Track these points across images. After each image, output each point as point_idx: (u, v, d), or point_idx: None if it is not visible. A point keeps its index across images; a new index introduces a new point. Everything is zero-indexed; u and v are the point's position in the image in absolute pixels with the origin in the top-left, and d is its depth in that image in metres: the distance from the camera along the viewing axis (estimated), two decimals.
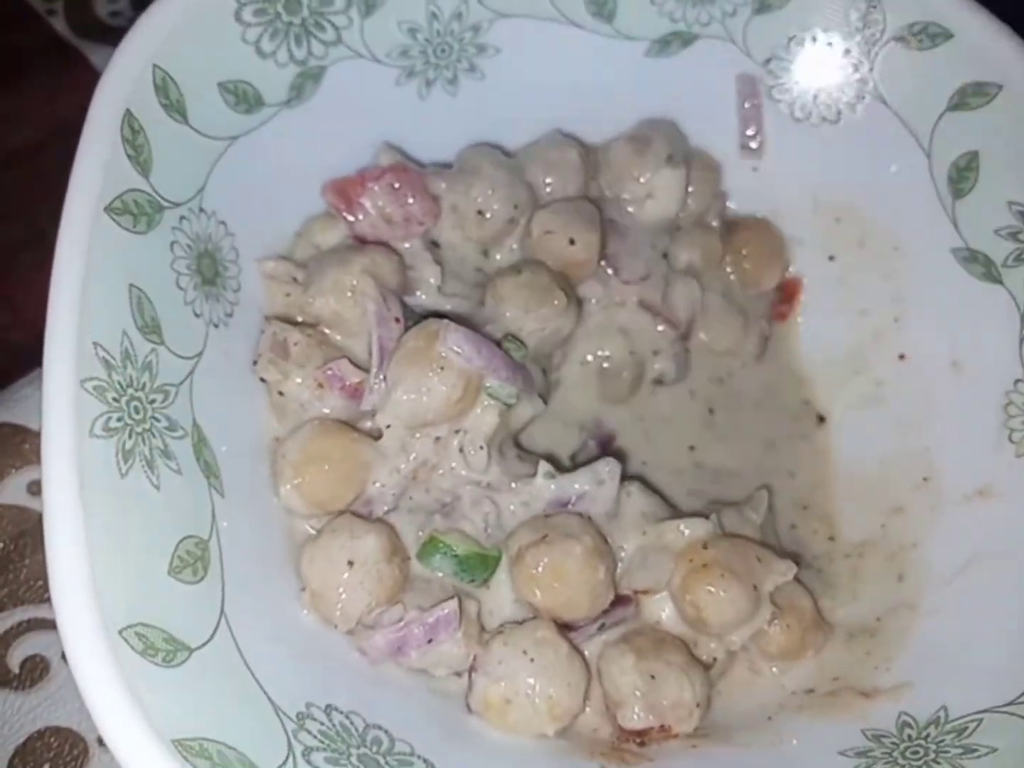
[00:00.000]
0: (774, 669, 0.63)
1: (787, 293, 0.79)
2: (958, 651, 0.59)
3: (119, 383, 0.50)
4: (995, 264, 0.68)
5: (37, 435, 0.69)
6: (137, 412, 0.50)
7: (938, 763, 0.52)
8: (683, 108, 0.76)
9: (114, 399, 0.49)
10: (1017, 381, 0.66)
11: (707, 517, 0.62)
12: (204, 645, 0.47)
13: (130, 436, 0.49)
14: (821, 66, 0.73)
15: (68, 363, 0.48)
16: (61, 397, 0.47)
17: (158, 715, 0.42)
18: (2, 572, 0.67)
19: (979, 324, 0.69)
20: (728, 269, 0.76)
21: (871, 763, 0.53)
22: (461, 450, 0.61)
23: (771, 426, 0.76)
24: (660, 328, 0.72)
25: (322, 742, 0.47)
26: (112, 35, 0.91)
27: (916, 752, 0.53)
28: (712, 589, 0.58)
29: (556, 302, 0.66)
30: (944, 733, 0.54)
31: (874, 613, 0.66)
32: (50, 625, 0.66)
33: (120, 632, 0.43)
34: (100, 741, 0.63)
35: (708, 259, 0.75)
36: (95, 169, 0.53)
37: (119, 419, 0.49)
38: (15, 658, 0.66)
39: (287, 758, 0.45)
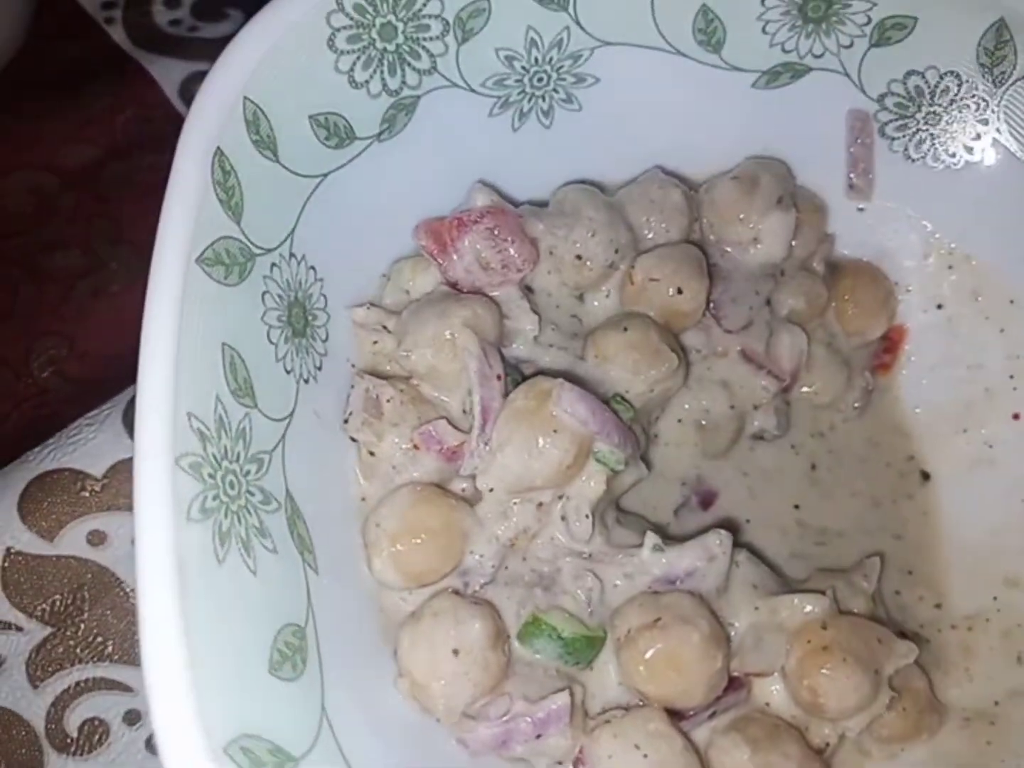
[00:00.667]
0: (886, 752, 0.59)
1: (891, 343, 0.74)
2: None
3: (214, 456, 0.45)
4: None
5: (97, 480, 0.65)
6: (232, 488, 0.46)
7: None
8: (790, 144, 0.71)
9: (210, 475, 0.45)
10: None
11: (823, 593, 0.58)
12: (308, 752, 0.43)
13: (226, 515, 0.45)
14: (941, 104, 0.69)
15: (163, 439, 0.43)
16: (156, 479, 0.42)
17: None
18: (60, 628, 0.63)
19: None
20: (832, 317, 0.71)
21: None
22: (564, 518, 0.57)
23: (875, 483, 0.71)
24: (763, 381, 0.67)
25: None
26: (171, 45, 0.86)
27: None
28: (833, 674, 0.55)
29: (667, 365, 0.62)
30: None
31: (992, 696, 0.61)
32: (110, 685, 0.63)
33: (225, 749, 0.39)
34: None
35: (812, 306, 0.70)
36: (186, 217, 0.49)
37: (215, 497, 0.45)
38: (73, 722, 0.62)
39: None
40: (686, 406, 0.67)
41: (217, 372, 0.48)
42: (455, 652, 0.51)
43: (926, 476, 0.72)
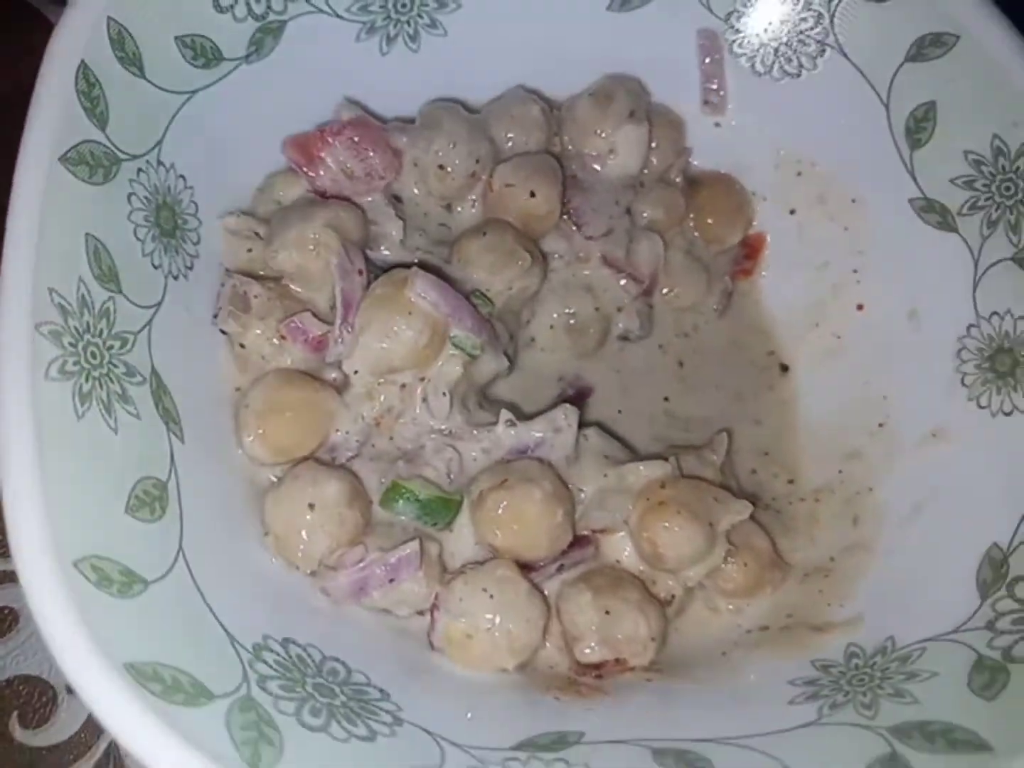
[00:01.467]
0: (731, 607, 0.65)
1: (751, 249, 0.80)
2: (908, 587, 0.61)
3: (75, 328, 0.51)
4: (951, 213, 0.69)
5: None
6: (94, 357, 0.51)
7: (882, 688, 0.53)
8: (645, 64, 0.76)
9: (70, 343, 0.50)
10: (970, 326, 0.67)
11: (666, 459, 0.63)
12: (161, 579, 0.48)
13: (87, 380, 0.50)
14: (782, 19, 0.74)
15: (23, 307, 0.49)
16: (15, 340, 0.48)
17: (111, 641, 0.43)
18: None
19: (935, 272, 0.70)
20: (691, 225, 0.77)
21: (818, 690, 0.55)
22: (424, 399, 0.62)
23: (738, 377, 0.77)
24: (623, 283, 0.73)
25: (277, 671, 0.48)
26: None
27: (862, 680, 0.55)
28: (668, 525, 0.60)
29: (520, 263, 0.67)
30: (889, 661, 0.55)
31: (829, 554, 0.67)
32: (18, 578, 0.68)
33: (75, 564, 0.44)
34: (69, 688, 0.65)
35: (671, 215, 0.75)
36: (50, 120, 0.54)
37: (75, 363, 0.50)
38: None
39: (241, 684, 0.46)
40: (555, 314, 0.72)
41: (80, 257, 0.53)
42: (311, 506, 0.56)
43: (785, 368, 0.78)
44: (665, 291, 0.76)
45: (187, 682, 0.44)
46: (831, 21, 0.73)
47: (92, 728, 0.64)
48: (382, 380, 0.62)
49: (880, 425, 0.71)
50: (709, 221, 0.77)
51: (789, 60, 0.75)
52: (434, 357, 0.62)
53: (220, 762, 0.41)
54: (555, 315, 0.72)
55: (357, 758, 0.46)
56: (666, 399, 0.75)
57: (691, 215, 0.77)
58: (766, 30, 0.75)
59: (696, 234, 0.77)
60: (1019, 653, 0.52)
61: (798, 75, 0.75)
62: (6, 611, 0.67)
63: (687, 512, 0.60)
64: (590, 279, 0.73)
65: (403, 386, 0.62)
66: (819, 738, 0.51)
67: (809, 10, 0.73)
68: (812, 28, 0.74)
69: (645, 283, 0.74)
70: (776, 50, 0.75)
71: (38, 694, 0.65)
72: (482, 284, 0.66)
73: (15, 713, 0.64)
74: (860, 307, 0.75)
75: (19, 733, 0.64)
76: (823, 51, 0.74)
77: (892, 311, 0.73)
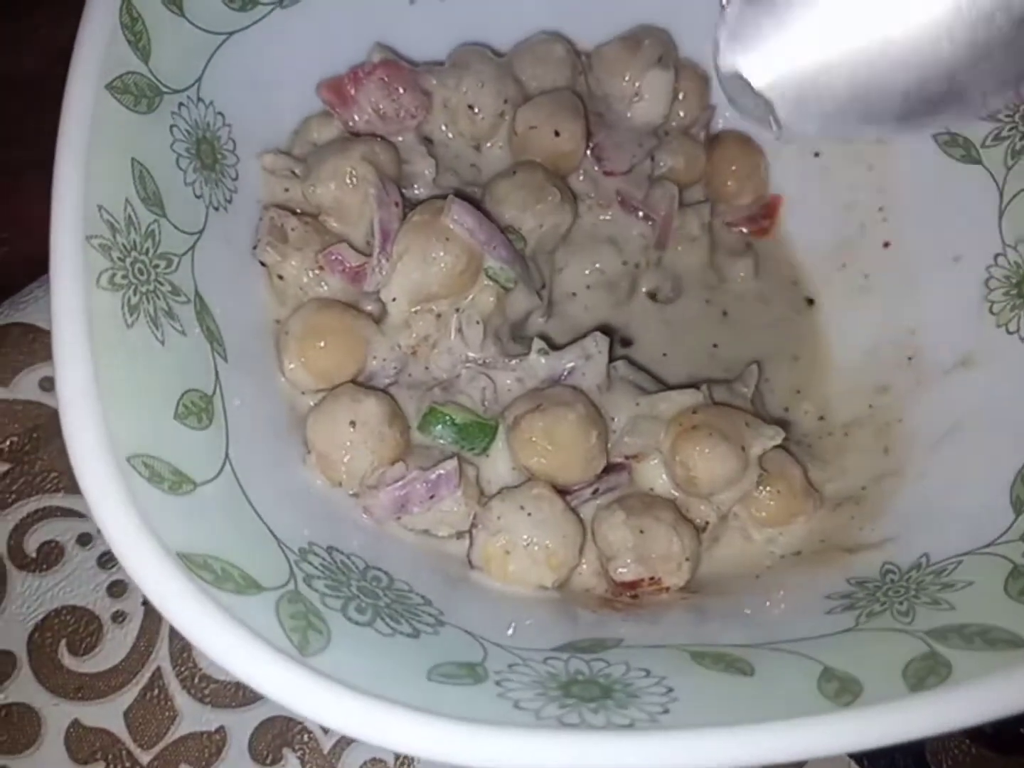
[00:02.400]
0: (765, 535, 0.65)
1: (768, 208, 0.80)
2: (941, 507, 0.61)
3: (123, 244, 0.52)
4: (974, 145, 0.69)
5: (47, 333, 0.71)
6: (141, 273, 0.53)
7: (917, 598, 0.53)
8: (678, 16, 0.77)
9: (119, 258, 0.51)
10: (997, 255, 0.67)
11: (697, 388, 0.64)
12: (209, 482, 0.49)
13: (135, 293, 0.52)
14: None
15: (74, 221, 0.50)
16: (68, 251, 0.49)
17: (163, 531, 0.44)
18: (18, 464, 0.70)
19: (960, 204, 0.70)
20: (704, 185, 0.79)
21: (854, 603, 0.55)
22: (459, 330, 0.63)
23: (777, 319, 0.78)
24: (638, 231, 0.73)
25: (322, 572, 0.49)
26: None
27: (898, 592, 0.55)
28: (701, 448, 0.60)
29: (551, 198, 0.68)
30: (924, 575, 0.56)
31: (860, 483, 0.68)
32: (64, 513, 0.69)
33: (128, 459, 0.46)
34: (113, 617, 0.66)
35: (690, 169, 0.76)
36: (96, 49, 0.55)
37: (123, 276, 0.51)
38: (32, 543, 0.68)
39: (288, 580, 0.47)
40: (586, 270, 0.73)
41: (127, 179, 0.54)
42: (352, 424, 0.57)
43: (810, 302, 0.78)
44: (680, 248, 0.76)
45: (237, 574, 0.45)
46: None
47: (137, 656, 0.66)
48: (418, 308, 0.63)
49: (909, 359, 0.72)
50: (726, 178, 0.78)
51: None
52: (470, 285, 0.63)
53: (271, 644, 0.42)
54: (586, 271, 0.73)
55: (402, 650, 0.47)
56: (714, 345, 0.76)
57: (709, 170, 0.78)
58: None
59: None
60: None
61: None
62: (52, 544, 0.68)
63: (719, 435, 0.61)
64: (612, 228, 0.74)
65: (438, 316, 0.63)
66: (857, 642, 0.51)
67: None
68: None
69: (659, 224, 0.74)
70: None
71: (84, 623, 0.66)
72: (515, 221, 0.67)
73: (63, 641, 0.66)
74: (887, 244, 0.76)
75: (68, 659, 0.65)
76: None
77: (919, 246, 0.73)
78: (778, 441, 0.63)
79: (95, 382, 0.46)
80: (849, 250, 0.78)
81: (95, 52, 0.55)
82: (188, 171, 0.60)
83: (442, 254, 0.61)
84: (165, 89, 0.59)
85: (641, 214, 0.73)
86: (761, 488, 0.64)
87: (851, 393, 0.74)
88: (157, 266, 0.54)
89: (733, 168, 0.78)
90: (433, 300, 0.63)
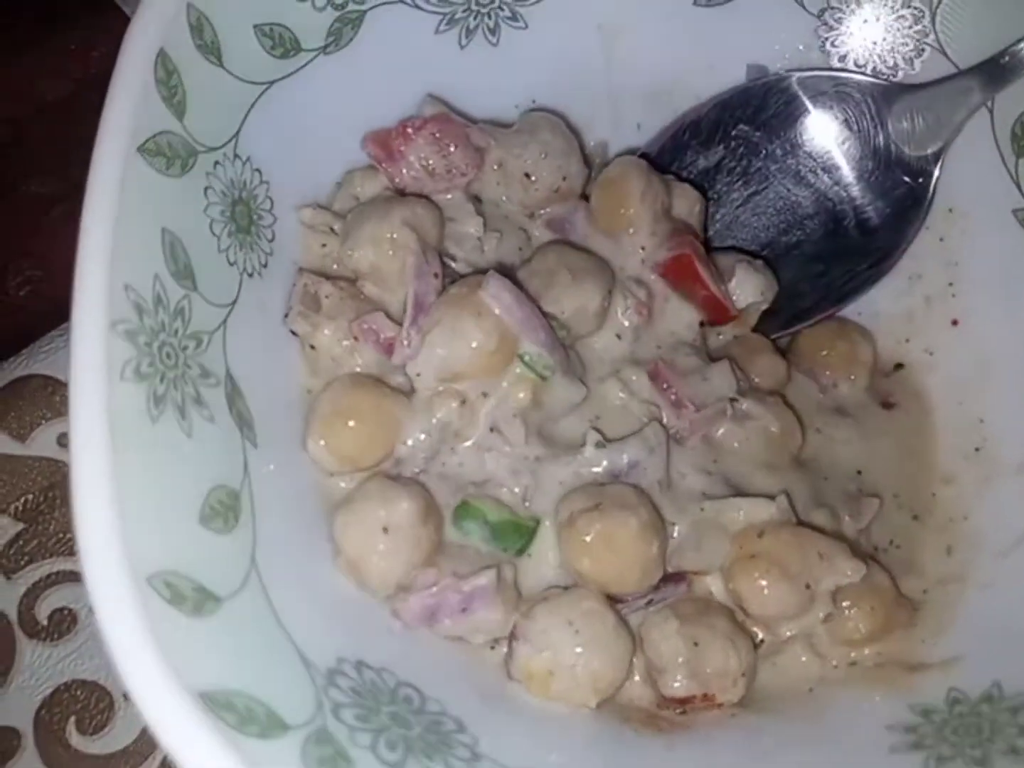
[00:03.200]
0: (852, 655, 0.59)
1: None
2: (1011, 626, 0.57)
3: (151, 327, 0.48)
4: None
5: (67, 386, 0.68)
6: (169, 358, 0.49)
7: (992, 742, 0.49)
8: (731, 55, 0.73)
9: (145, 344, 0.48)
10: None
11: (772, 498, 0.59)
12: (234, 595, 0.46)
13: (161, 382, 0.48)
14: (878, 16, 0.70)
15: (98, 305, 0.46)
16: (90, 340, 0.45)
17: (184, 666, 0.40)
18: (32, 524, 0.67)
19: None
20: None
21: (920, 739, 0.51)
22: (493, 428, 0.58)
23: None
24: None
25: (352, 699, 0.46)
26: None
27: (968, 730, 0.51)
28: (755, 582, 0.56)
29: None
30: (998, 712, 0.52)
31: (921, 586, 0.63)
32: (79, 578, 0.65)
33: (148, 580, 0.42)
34: (126, 696, 0.62)
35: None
36: (127, 109, 0.51)
37: (150, 364, 0.48)
38: (44, 610, 0.65)
39: (316, 714, 0.44)
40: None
41: (156, 253, 0.50)
42: (385, 530, 0.53)
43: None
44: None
45: (262, 712, 0.41)
46: (932, 19, 0.69)
47: (149, 738, 0.62)
48: (443, 388, 0.58)
49: (976, 449, 0.67)
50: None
51: (885, 60, 0.71)
52: (500, 370, 0.58)
53: None
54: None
55: None
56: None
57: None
58: (861, 28, 0.71)
59: None
60: None
61: (895, 75, 0.71)
62: (65, 612, 0.65)
63: (778, 570, 0.56)
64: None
65: (463, 402, 0.58)
66: None
67: (909, 7, 0.69)
68: (912, 26, 0.70)
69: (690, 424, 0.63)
70: (871, 48, 0.71)
71: (95, 700, 0.63)
72: (555, 303, 0.61)
73: (72, 718, 0.63)
74: (955, 322, 0.71)
75: (75, 739, 0.62)
76: (922, 50, 0.70)
77: (989, 327, 0.69)
78: (856, 579, 0.57)
79: (116, 490, 0.42)
80: (913, 324, 0.73)
81: (126, 112, 0.51)
82: (222, 236, 0.56)
83: (473, 329, 0.56)
84: (200, 148, 0.55)
85: (674, 397, 0.63)
86: (850, 608, 0.58)
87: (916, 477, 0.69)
88: (186, 348, 0.51)
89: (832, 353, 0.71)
90: (459, 380, 0.58)
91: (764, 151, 0.74)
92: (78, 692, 0.63)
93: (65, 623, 0.65)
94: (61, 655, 0.64)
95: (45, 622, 0.65)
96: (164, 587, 0.43)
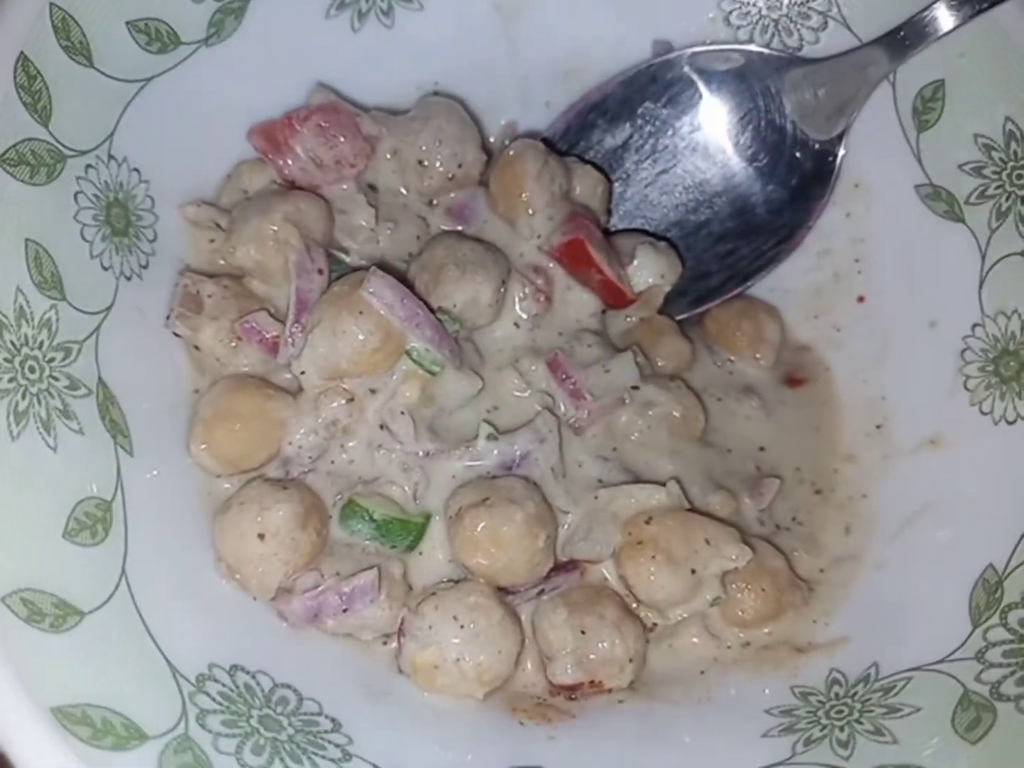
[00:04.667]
0: (740, 635, 0.60)
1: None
2: (896, 607, 0.58)
3: (12, 343, 0.48)
4: (958, 201, 0.64)
5: None
6: (32, 372, 0.49)
7: (860, 723, 0.50)
8: (638, 31, 0.71)
9: (5, 360, 0.48)
10: (975, 326, 0.63)
11: (663, 484, 0.60)
12: (99, 608, 0.46)
13: (23, 397, 0.48)
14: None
15: None
16: None
17: (37, 683, 0.41)
18: None
19: (939, 265, 0.66)
20: None
21: (795, 722, 0.52)
22: (383, 426, 0.58)
23: None
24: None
25: (220, 704, 0.47)
26: None
27: (840, 711, 0.52)
28: (642, 569, 0.57)
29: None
30: (871, 692, 0.53)
31: (819, 565, 0.64)
32: None
33: (4, 599, 0.43)
34: None
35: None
36: None
37: (11, 379, 0.48)
38: None
39: (179, 722, 0.44)
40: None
41: (19, 265, 0.50)
42: (261, 536, 0.53)
43: None
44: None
45: (119, 723, 0.42)
46: None
47: None
48: (329, 386, 0.58)
49: (878, 427, 0.68)
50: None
51: (790, 33, 0.70)
52: (386, 367, 0.58)
53: None
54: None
55: None
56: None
57: None
58: (765, 1, 0.70)
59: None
60: (1008, 691, 0.49)
61: (799, 49, 0.70)
62: None
63: (663, 556, 0.57)
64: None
65: (351, 399, 0.58)
66: None
67: None
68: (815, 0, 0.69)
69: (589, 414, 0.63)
70: (776, 22, 0.70)
71: None
72: (446, 298, 0.61)
73: None
74: (861, 298, 0.71)
75: None
76: (826, 24, 0.69)
77: (893, 304, 0.69)
78: (741, 564, 0.57)
79: None
80: (821, 300, 0.73)
81: None
82: (95, 241, 0.55)
83: (353, 328, 0.56)
84: (69, 153, 0.55)
85: (572, 387, 0.63)
86: (743, 587, 0.59)
87: (820, 453, 0.70)
88: (52, 360, 0.50)
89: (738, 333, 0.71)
90: (345, 378, 0.57)
91: (671, 129, 0.73)
92: None
93: None
94: None
95: None
96: (20, 605, 0.43)
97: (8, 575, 0.43)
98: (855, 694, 0.53)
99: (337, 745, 0.48)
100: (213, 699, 0.47)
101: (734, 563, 0.57)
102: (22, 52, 0.53)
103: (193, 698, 0.46)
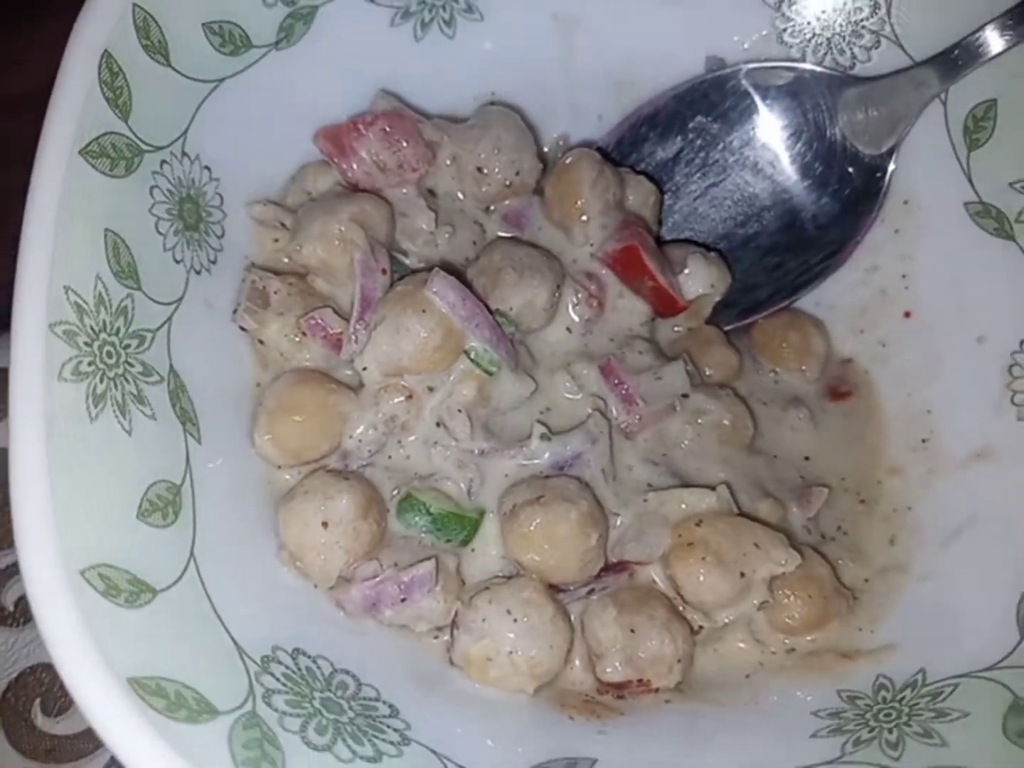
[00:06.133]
0: (786, 642, 0.61)
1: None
2: (943, 616, 0.58)
3: (91, 328, 0.50)
4: (1008, 219, 0.65)
5: None
6: (110, 357, 0.50)
7: (909, 725, 0.51)
8: (691, 46, 0.73)
9: (85, 343, 0.49)
10: (1023, 342, 0.63)
11: (713, 489, 0.60)
12: (170, 587, 0.47)
13: (101, 380, 0.49)
14: (835, 8, 0.70)
15: (38, 307, 0.48)
16: (29, 340, 0.47)
17: (115, 654, 0.42)
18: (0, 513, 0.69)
19: (988, 281, 0.66)
20: None
21: (842, 724, 0.53)
22: (440, 423, 0.60)
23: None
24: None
25: (284, 685, 0.48)
26: None
27: (888, 715, 0.52)
28: (691, 570, 0.58)
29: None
30: (919, 696, 0.53)
31: (864, 575, 0.64)
32: None
33: (82, 573, 0.44)
34: None
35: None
36: (70, 111, 0.53)
37: (90, 363, 0.49)
38: (10, 596, 0.67)
39: (247, 699, 0.45)
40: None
41: (98, 254, 0.52)
42: (324, 524, 0.55)
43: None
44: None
45: (191, 697, 0.43)
46: (888, 11, 0.69)
47: None
48: (390, 382, 0.59)
49: (923, 441, 0.68)
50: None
51: (842, 52, 0.71)
52: (445, 365, 0.59)
53: None
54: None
55: None
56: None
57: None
58: (819, 19, 0.71)
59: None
60: None
61: (851, 67, 0.71)
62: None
63: (713, 558, 0.58)
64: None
65: (410, 396, 0.60)
66: None
67: None
68: (867, 18, 0.70)
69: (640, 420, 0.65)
70: (829, 40, 0.71)
71: (59, 683, 0.65)
72: (503, 300, 0.63)
73: (37, 700, 0.65)
74: (907, 314, 0.72)
75: (40, 720, 0.64)
76: (878, 42, 0.70)
77: (941, 320, 0.70)
78: (790, 568, 0.58)
79: (51, 487, 0.44)
80: (867, 315, 0.74)
81: (69, 115, 0.53)
82: (168, 235, 0.57)
83: (416, 325, 0.57)
84: (146, 148, 0.57)
85: (625, 392, 0.64)
86: (789, 594, 0.59)
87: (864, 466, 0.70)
88: (128, 346, 0.52)
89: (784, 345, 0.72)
90: (405, 375, 0.59)
91: (722, 143, 0.74)
92: (43, 675, 0.65)
93: (30, 610, 0.67)
94: (27, 640, 0.66)
95: (11, 608, 0.67)
96: (98, 579, 0.44)
97: (86, 550, 0.45)
98: (903, 699, 0.53)
99: (396, 730, 0.49)
100: (278, 680, 0.48)
101: (783, 567, 0.58)
102: (106, 50, 0.55)
103: (259, 678, 0.47)
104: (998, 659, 0.53)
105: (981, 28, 0.64)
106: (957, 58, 0.66)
